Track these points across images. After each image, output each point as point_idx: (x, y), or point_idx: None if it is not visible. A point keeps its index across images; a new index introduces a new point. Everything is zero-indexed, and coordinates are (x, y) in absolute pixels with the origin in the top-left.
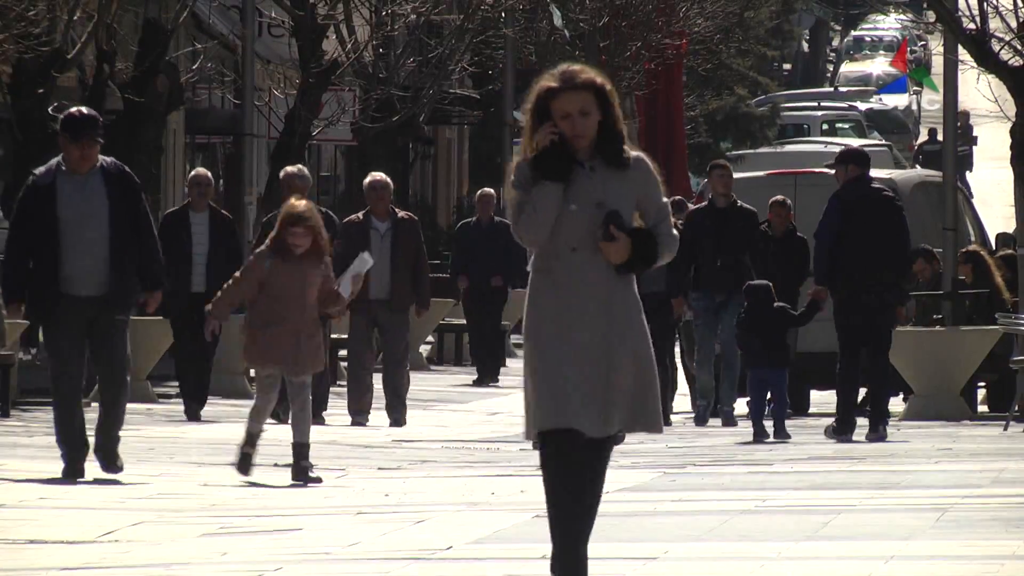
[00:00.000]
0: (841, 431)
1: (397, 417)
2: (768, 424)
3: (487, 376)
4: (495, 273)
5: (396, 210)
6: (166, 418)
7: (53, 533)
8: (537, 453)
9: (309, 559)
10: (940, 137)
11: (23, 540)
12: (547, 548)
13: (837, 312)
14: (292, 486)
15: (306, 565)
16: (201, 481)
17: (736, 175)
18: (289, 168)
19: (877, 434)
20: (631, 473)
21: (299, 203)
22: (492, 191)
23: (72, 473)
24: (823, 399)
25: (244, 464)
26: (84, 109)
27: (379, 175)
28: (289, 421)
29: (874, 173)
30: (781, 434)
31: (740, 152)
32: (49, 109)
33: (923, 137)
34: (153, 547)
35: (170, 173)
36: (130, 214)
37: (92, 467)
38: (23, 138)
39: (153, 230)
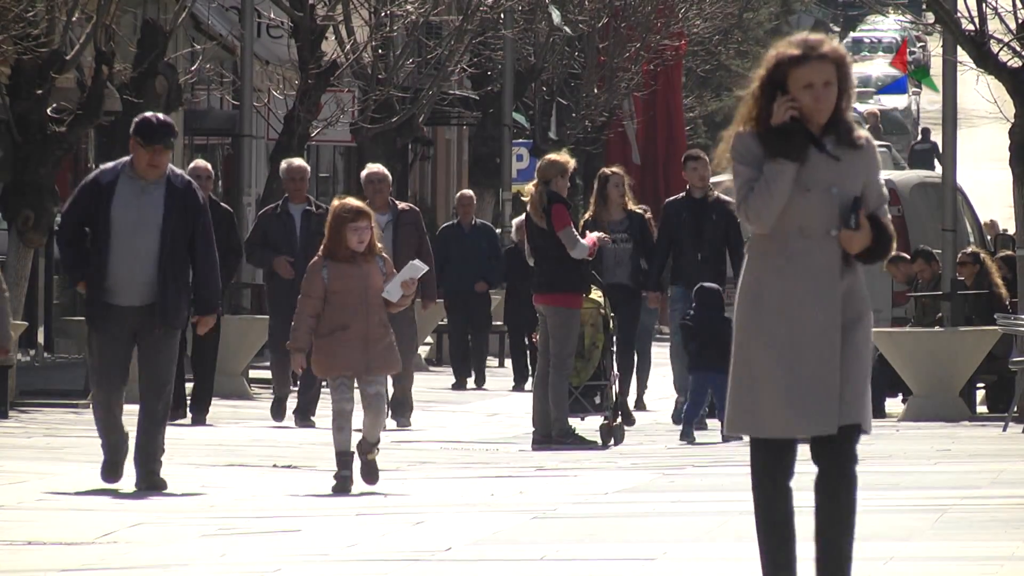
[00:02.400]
0: None
1: (401, 420)
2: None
3: (465, 380)
4: (477, 276)
5: (396, 202)
6: None
7: (52, 534)
8: (536, 455)
9: (308, 560)
10: (933, 137)
11: (22, 541)
12: (545, 549)
13: None
14: (301, 495)
15: (305, 566)
16: (200, 482)
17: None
18: (295, 161)
19: None
20: (630, 474)
21: (348, 199)
22: (472, 193)
23: (111, 476)
24: None
25: (341, 487)
26: (160, 115)
27: (376, 167)
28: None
29: None
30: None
31: None
32: (48, 110)
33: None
34: (152, 548)
35: None
36: (186, 230)
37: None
38: (21, 139)
39: (213, 252)
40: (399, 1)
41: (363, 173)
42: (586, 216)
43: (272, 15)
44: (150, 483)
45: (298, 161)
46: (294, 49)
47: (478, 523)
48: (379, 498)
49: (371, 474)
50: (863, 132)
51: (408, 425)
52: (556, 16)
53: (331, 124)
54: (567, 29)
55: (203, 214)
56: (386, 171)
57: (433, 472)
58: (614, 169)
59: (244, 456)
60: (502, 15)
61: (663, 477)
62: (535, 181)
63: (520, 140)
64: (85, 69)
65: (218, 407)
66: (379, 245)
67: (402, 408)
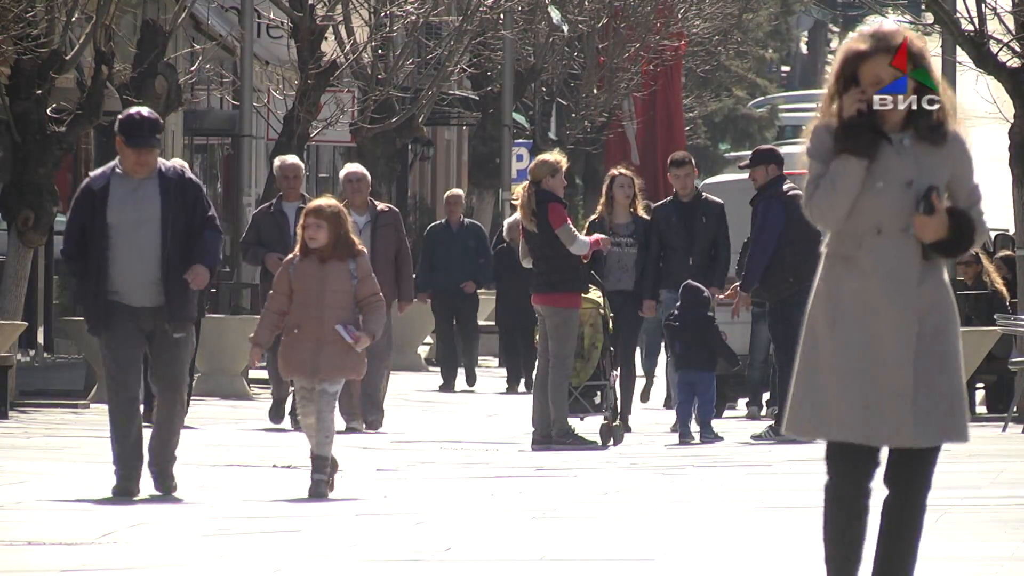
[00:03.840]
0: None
1: (372, 420)
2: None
3: (453, 382)
4: (465, 276)
5: (375, 203)
6: None
7: (51, 534)
8: (536, 455)
9: (307, 560)
10: None
11: (22, 541)
12: (545, 549)
13: (776, 312)
14: (305, 500)
15: (305, 566)
16: (200, 482)
17: (734, 176)
18: (288, 158)
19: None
20: (630, 474)
21: (322, 198)
22: (460, 192)
23: (124, 491)
24: None
25: (315, 490)
26: (144, 111)
27: (355, 167)
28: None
29: None
30: (707, 435)
31: (739, 153)
32: (48, 110)
33: None
34: (152, 548)
35: None
36: (187, 221)
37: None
38: (21, 139)
39: (217, 225)
40: (399, 1)
41: (341, 173)
42: (592, 217)
43: (272, 15)
44: (166, 488)
45: (291, 158)
46: (294, 49)
47: (478, 523)
48: (379, 498)
49: (319, 495)
50: (952, 127)
51: (379, 426)
52: (556, 15)
53: (331, 124)
54: (565, 28)
55: (201, 197)
56: (365, 171)
57: (433, 472)
58: (621, 170)
59: (244, 456)
60: (502, 15)
61: (663, 477)
62: (525, 182)
63: (520, 140)
64: (85, 69)
65: (218, 407)
66: (356, 248)
67: (373, 407)
